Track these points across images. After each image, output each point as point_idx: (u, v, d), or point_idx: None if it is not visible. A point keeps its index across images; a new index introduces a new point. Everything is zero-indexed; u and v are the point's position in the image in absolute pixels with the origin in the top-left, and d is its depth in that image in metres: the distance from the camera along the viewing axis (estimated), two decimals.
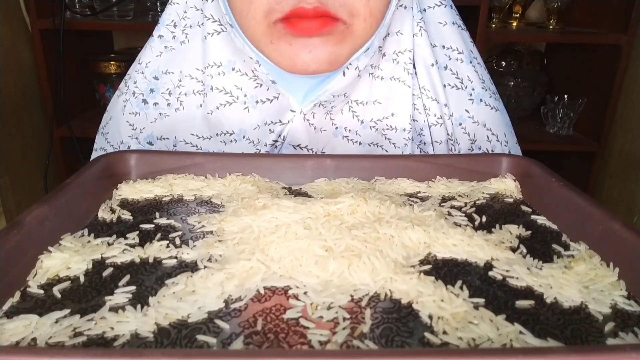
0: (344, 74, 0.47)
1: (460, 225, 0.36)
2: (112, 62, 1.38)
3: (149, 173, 0.44)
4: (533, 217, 0.39)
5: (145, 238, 0.34)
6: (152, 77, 0.54)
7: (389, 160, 0.46)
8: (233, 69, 0.50)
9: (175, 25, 0.53)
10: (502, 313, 0.27)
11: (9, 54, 1.22)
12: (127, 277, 0.29)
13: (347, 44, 0.45)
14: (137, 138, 0.54)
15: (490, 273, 0.31)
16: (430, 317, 0.26)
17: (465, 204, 0.41)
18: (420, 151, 0.54)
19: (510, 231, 0.36)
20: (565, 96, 1.39)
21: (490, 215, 0.39)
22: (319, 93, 0.48)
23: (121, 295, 0.28)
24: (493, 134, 0.54)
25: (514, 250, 0.34)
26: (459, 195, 0.42)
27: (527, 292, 0.29)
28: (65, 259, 0.31)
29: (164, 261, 0.31)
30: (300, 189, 0.43)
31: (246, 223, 0.35)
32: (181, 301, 0.27)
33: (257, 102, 0.51)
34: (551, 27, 1.41)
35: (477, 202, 0.41)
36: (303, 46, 0.43)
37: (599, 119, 1.36)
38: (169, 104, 0.53)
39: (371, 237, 0.33)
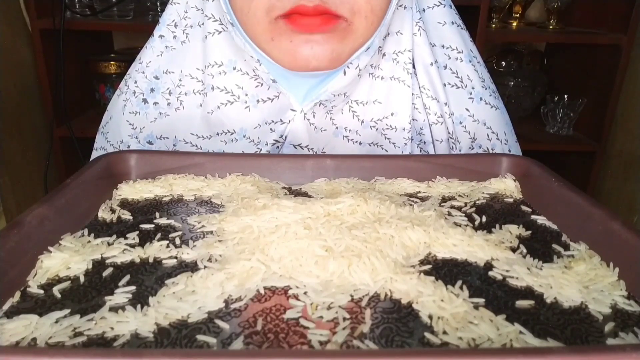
0: (344, 73, 0.47)
1: (460, 225, 0.36)
2: (112, 62, 1.38)
3: (149, 173, 0.44)
4: (533, 217, 0.39)
5: (145, 238, 0.34)
6: (152, 76, 0.54)
7: (389, 160, 0.46)
8: (234, 69, 0.51)
9: (176, 25, 0.53)
10: (502, 313, 0.27)
11: (9, 54, 1.22)
12: (127, 277, 0.29)
13: (349, 42, 0.45)
14: (137, 137, 0.54)
15: (490, 273, 0.31)
16: (430, 317, 0.26)
17: (465, 204, 0.41)
18: (421, 150, 0.54)
19: (510, 231, 0.36)
20: (565, 96, 1.38)
21: (490, 215, 0.39)
22: (320, 92, 0.48)
23: (121, 295, 0.28)
24: (493, 133, 0.54)
25: (514, 250, 0.34)
26: (459, 195, 0.42)
27: (527, 292, 0.29)
28: (65, 259, 0.31)
29: (164, 261, 0.31)
30: (300, 189, 0.43)
31: (246, 223, 0.35)
32: (181, 301, 0.27)
33: (258, 101, 0.51)
34: (551, 27, 1.41)
35: (477, 202, 0.41)
36: (304, 42, 0.43)
37: (599, 119, 1.36)
38: (169, 104, 0.53)
39: (371, 237, 0.33)
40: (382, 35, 0.48)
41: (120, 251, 0.32)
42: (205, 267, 0.30)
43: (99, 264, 0.31)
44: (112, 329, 0.25)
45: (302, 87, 0.50)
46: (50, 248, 0.32)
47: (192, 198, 0.41)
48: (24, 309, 0.27)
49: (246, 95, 0.51)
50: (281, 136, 0.51)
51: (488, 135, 0.54)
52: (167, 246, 0.33)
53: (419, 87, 0.52)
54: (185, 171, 0.45)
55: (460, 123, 0.54)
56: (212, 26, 0.50)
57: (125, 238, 0.34)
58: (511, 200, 0.42)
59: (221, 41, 0.50)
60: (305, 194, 0.42)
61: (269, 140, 0.51)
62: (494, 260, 0.32)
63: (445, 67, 0.54)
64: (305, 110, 0.50)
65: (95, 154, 0.57)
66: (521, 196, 0.43)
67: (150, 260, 0.31)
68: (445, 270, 0.31)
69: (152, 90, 0.53)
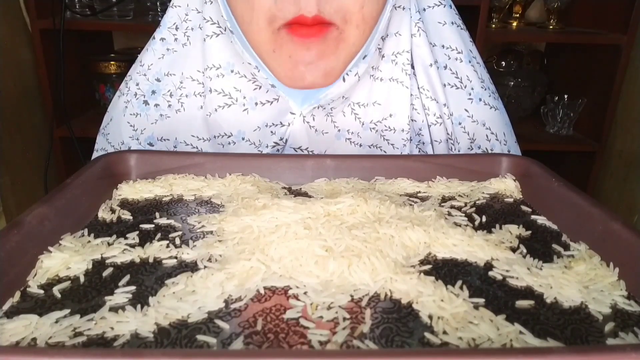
0: (343, 80, 0.47)
1: (460, 225, 0.36)
2: (112, 62, 1.38)
3: (149, 173, 0.44)
4: (533, 217, 0.39)
5: (145, 238, 0.34)
6: (154, 78, 0.54)
7: (389, 160, 0.46)
8: (232, 71, 0.51)
9: (177, 28, 0.54)
10: (502, 313, 0.27)
11: (9, 54, 1.22)
12: (127, 277, 0.29)
13: (342, 51, 0.45)
14: (137, 139, 0.54)
15: (490, 273, 0.31)
16: (430, 317, 0.26)
17: (465, 204, 0.41)
18: (419, 151, 0.54)
19: (510, 231, 0.36)
20: (565, 96, 1.38)
21: (490, 215, 0.39)
22: (319, 97, 0.48)
23: (121, 295, 0.28)
24: (492, 133, 0.54)
25: (514, 250, 0.34)
26: (459, 195, 0.42)
27: (527, 292, 0.29)
28: (65, 259, 0.31)
29: (164, 261, 0.31)
30: (300, 189, 0.43)
31: (246, 223, 0.35)
32: (181, 301, 0.27)
33: (256, 103, 0.51)
34: (551, 27, 1.41)
35: (477, 202, 0.41)
36: (301, 59, 0.44)
37: (599, 119, 1.36)
38: (170, 106, 0.53)
39: (371, 237, 0.33)
40: (376, 42, 0.48)
41: (120, 251, 0.32)
42: (205, 267, 0.30)
43: (99, 264, 0.31)
44: (112, 329, 0.25)
45: (301, 92, 0.50)
46: (50, 248, 0.32)
47: (192, 198, 0.41)
48: (24, 309, 0.27)
49: (244, 98, 0.51)
50: (281, 139, 0.51)
51: (487, 136, 0.54)
52: (167, 246, 0.33)
53: (418, 88, 0.52)
54: (185, 171, 0.45)
55: (460, 124, 0.54)
56: (210, 29, 0.50)
57: (125, 238, 0.34)
58: (511, 200, 0.42)
59: (219, 44, 0.50)
60: (305, 194, 0.42)
61: (270, 143, 0.51)
62: (494, 260, 0.32)
63: (445, 67, 0.54)
64: (304, 114, 0.50)
65: (96, 155, 0.57)
66: (521, 196, 0.43)
67: (150, 260, 0.31)
68: (445, 270, 0.31)
69: (153, 92, 0.54)
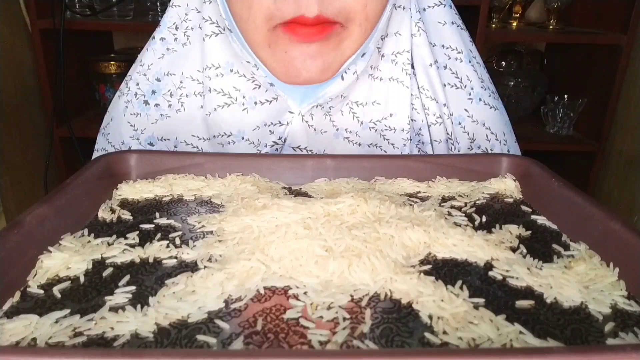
0: (342, 78, 0.47)
1: (460, 225, 0.36)
2: (112, 62, 1.38)
3: (149, 173, 0.44)
4: (533, 217, 0.39)
5: (145, 238, 0.34)
6: (154, 78, 0.54)
7: (389, 160, 0.46)
8: (231, 71, 0.51)
9: (177, 28, 0.54)
10: (502, 313, 0.27)
11: (9, 54, 1.22)
12: (127, 277, 0.29)
13: (342, 48, 0.45)
14: (138, 139, 0.54)
15: (490, 273, 0.31)
16: (430, 317, 0.26)
17: (465, 204, 0.41)
18: (419, 150, 0.54)
19: (510, 231, 0.36)
20: (565, 96, 1.39)
21: (490, 215, 0.39)
22: (317, 96, 0.48)
23: (121, 295, 0.28)
24: (492, 133, 0.54)
25: (514, 250, 0.34)
26: (459, 195, 0.42)
27: (527, 292, 0.29)
28: (65, 259, 0.31)
29: (164, 261, 0.31)
30: (300, 189, 0.43)
31: (246, 223, 0.35)
32: (181, 301, 0.27)
33: (255, 103, 0.51)
34: (551, 27, 1.41)
35: (477, 202, 0.41)
36: (299, 54, 0.44)
37: (599, 119, 1.36)
38: (170, 105, 0.53)
39: (371, 237, 0.33)
40: (376, 40, 0.48)
41: (120, 251, 0.32)
42: (205, 267, 0.30)
43: (99, 264, 0.31)
44: (112, 329, 0.25)
45: (299, 90, 0.50)
46: (50, 248, 0.32)
47: (192, 198, 0.41)
48: (24, 309, 0.27)
49: (244, 97, 0.51)
50: (280, 138, 0.51)
51: (487, 136, 0.54)
52: (167, 246, 0.33)
53: (418, 88, 0.52)
54: (185, 171, 0.45)
55: (459, 124, 0.54)
56: (209, 28, 0.51)
57: (125, 238, 0.34)
58: (511, 200, 0.42)
59: (218, 43, 0.50)
60: (305, 194, 0.42)
61: (268, 142, 0.51)
62: (494, 260, 0.32)
63: (445, 67, 0.54)
64: (303, 113, 0.50)
65: (96, 155, 0.57)
66: (521, 196, 0.43)
67: (150, 260, 0.31)
68: (445, 270, 0.31)
69: (153, 92, 0.54)
